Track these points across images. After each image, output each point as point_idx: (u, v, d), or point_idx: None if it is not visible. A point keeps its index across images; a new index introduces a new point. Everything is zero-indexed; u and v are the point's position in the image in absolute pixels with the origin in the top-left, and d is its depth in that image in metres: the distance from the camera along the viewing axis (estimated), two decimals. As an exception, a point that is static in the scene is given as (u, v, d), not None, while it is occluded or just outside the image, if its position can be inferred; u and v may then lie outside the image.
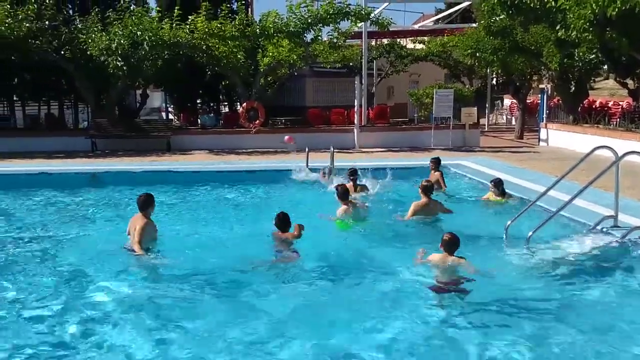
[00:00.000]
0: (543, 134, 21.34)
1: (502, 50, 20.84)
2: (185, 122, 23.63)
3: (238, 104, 24.02)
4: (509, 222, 8.08)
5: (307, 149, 14.48)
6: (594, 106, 22.50)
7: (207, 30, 19.57)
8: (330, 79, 26.66)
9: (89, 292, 6.65)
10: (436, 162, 12.29)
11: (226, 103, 28.97)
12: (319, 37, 21.25)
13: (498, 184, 10.70)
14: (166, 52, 20.00)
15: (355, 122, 20.72)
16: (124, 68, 18.91)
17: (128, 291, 6.68)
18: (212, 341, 5.49)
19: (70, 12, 23.88)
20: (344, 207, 9.31)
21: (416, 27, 31.03)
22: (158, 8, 21.56)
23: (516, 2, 15.88)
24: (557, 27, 15.78)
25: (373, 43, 30.16)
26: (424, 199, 9.54)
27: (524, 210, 8.34)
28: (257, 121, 20.58)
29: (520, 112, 24.58)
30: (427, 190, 9.58)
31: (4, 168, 14.89)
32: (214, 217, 10.37)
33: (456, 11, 30.29)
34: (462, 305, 6.26)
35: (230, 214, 10.67)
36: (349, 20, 20.13)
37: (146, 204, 7.73)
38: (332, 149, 14.51)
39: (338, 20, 19.95)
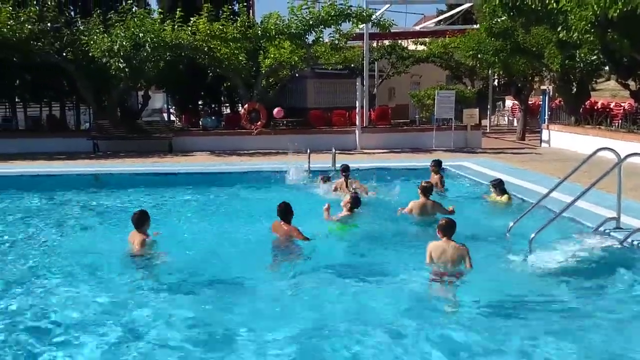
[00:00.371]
0: (545, 135, 21.33)
1: (503, 51, 20.83)
2: (187, 123, 23.64)
3: (239, 105, 24.03)
4: (511, 224, 8.09)
5: (308, 151, 14.48)
6: (595, 107, 22.47)
7: (208, 31, 19.59)
8: (332, 80, 26.67)
9: (89, 293, 6.65)
10: (437, 164, 12.31)
11: (228, 104, 28.99)
12: (321, 39, 21.27)
13: (497, 184, 10.71)
14: (168, 54, 20.02)
15: (357, 123, 20.72)
16: (126, 69, 18.95)
17: (128, 292, 6.70)
18: (212, 341, 5.51)
19: (72, 13, 23.94)
20: (347, 213, 9.33)
21: (417, 28, 31.00)
22: (160, 10, 21.60)
23: (517, 3, 15.86)
24: (559, 29, 15.77)
25: (374, 44, 30.17)
26: (422, 199, 9.65)
27: (527, 211, 8.34)
28: (259, 122, 20.60)
29: (521, 114, 24.56)
30: (426, 190, 9.70)
31: (6, 170, 14.91)
32: (214, 217, 10.40)
33: (457, 12, 30.30)
34: (464, 306, 6.26)
35: (230, 215, 10.68)
36: (351, 22, 20.13)
37: (141, 222, 7.71)
38: (333, 151, 14.55)
39: (339, 22, 19.95)
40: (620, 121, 19.53)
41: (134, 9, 20.84)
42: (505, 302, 6.38)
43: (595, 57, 18.95)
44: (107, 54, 18.92)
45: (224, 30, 19.77)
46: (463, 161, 15.80)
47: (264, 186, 12.83)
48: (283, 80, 23.07)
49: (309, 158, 14.23)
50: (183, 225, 9.85)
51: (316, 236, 8.36)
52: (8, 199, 12.04)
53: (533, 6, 15.55)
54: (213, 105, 28.67)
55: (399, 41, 30.55)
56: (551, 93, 22.63)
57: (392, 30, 22.01)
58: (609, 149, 8.22)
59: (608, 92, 30.25)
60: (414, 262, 7.34)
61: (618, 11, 12.91)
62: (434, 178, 12.04)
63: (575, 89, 21.15)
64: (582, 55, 18.98)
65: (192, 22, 19.66)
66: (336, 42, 21.47)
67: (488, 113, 29.07)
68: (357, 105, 20.93)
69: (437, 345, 5.39)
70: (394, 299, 6.48)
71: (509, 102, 32.36)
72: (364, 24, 20.77)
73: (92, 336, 5.59)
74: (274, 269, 7.63)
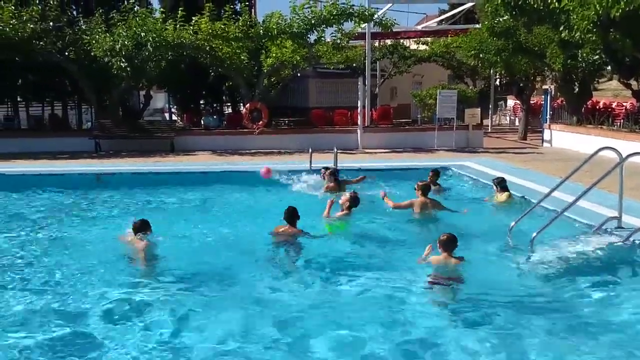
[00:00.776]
0: (546, 134, 21.30)
1: (505, 51, 20.82)
2: (189, 123, 23.64)
3: (241, 104, 24.04)
4: (513, 223, 8.08)
5: (310, 150, 14.49)
6: (597, 107, 22.45)
7: (210, 31, 19.60)
8: (334, 79, 26.65)
9: (89, 293, 6.66)
10: (436, 175, 12.07)
11: (229, 104, 29.00)
12: (323, 38, 21.28)
13: (499, 182, 10.73)
14: (170, 53, 20.03)
15: (359, 123, 20.71)
16: (128, 69, 18.97)
17: (130, 292, 6.71)
18: (214, 341, 5.52)
19: (75, 13, 23.93)
20: (345, 211, 9.33)
21: (419, 28, 30.99)
22: (162, 9, 21.62)
23: (520, 3, 15.86)
24: (561, 28, 15.76)
25: (376, 44, 30.16)
26: (422, 198, 9.67)
27: (528, 211, 8.34)
28: (261, 122, 20.60)
29: (523, 113, 24.54)
30: (425, 189, 9.69)
31: (8, 169, 14.94)
32: (213, 217, 10.41)
33: (459, 12, 30.30)
34: (465, 305, 6.27)
35: (229, 214, 10.69)
36: (353, 21, 20.14)
37: (141, 229, 7.71)
38: (335, 150, 14.54)
39: (341, 21, 19.95)
40: (622, 121, 19.49)
41: (136, 9, 20.84)
42: (507, 302, 6.38)
43: (597, 56, 18.94)
44: (109, 53, 18.94)
45: (226, 29, 19.76)
46: (465, 161, 15.79)
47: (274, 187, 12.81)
48: (285, 80, 23.07)
49: (311, 157, 14.24)
50: (185, 224, 9.84)
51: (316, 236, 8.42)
52: (10, 198, 12.06)
53: (535, 5, 15.54)
54: (215, 105, 28.66)
55: (401, 41, 30.52)
56: (553, 93, 22.61)
57: (394, 30, 22.02)
58: (611, 148, 8.20)
59: (610, 91, 30.18)
60: (413, 261, 7.36)
61: (620, 11, 12.89)
62: (433, 189, 11.88)
63: (577, 89, 21.13)
64: (584, 55, 18.96)
65: (193, 21, 19.66)
66: (338, 41, 21.49)
67: (490, 113, 29.04)
68: (358, 104, 20.92)
69: (437, 345, 5.39)
70: (394, 298, 6.49)
71: (511, 102, 32.33)
72: (366, 24, 20.76)
73: (93, 336, 5.60)
74: (276, 266, 7.65)
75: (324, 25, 20.02)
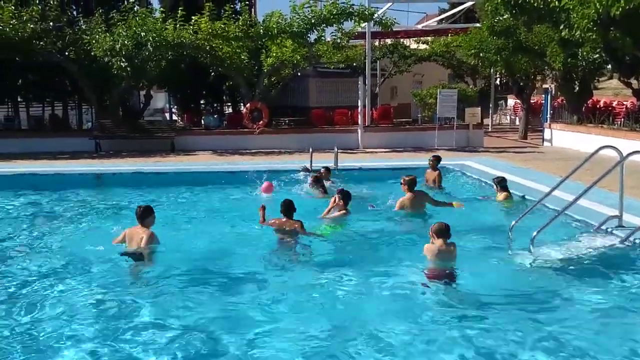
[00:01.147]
0: (547, 134, 21.29)
1: (505, 50, 20.82)
2: (189, 123, 23.65)
3: (242, 104, 24.04)
4: (513, 222, 8.07)
5: (310, 150, 14.48)
6: (598, 106, 22.45)
7: (210, 30, 19.59)
8: (334, 79, 26.67)
9: (89, 293, 6.65)
10: (437, 159, 12.29)
11: (230, 104, 29.01)
12: (323, 38, 21.28)
13: (499, 181, 10.73)
14: (170, 53, 20.04)
15: (359, 122, 20.71)
16: (128, 69, 18.98)
17: (128, 291, 6.71)
18: (214, 339, 5.52)
19: (75, 13, 23.94)
20: (344, 211, 9.32)
21: (419, 27, 30.98)
22: (162, 9, 21.61)
23: (520, 1, 15.86)
24: (561, 27, 15.76)
25: (376, 43, 30.16)
26: (409, 194, 9.70)
27: (528, 210, 8.32)
28: (261, 122, 20.60)
29: (524, 112, 24.54)
30: (410, 183, 9.69)
31: (9, 169, 14.95)
32: (213, 217, 10.41)
33: (460, 11, 30.28)
34: (464, 304, 6.26)
35: (230, 213, 10.69)
36: (353, 21, 20.13)
37: (145, 214, 7.51)
38: (335, 150, 14.54)
39: (341, 21, 19.95)
40: (622, 120, 19.48)
41: (135, 8, 20.85)
42: (507, 300, 6.38)
43: (597, 55, 18.94)
44: (109, 53, 18.95)
45: (226, 29, 19.75)
46: (465, 160, 15.78)
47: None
48: (285, 79, 23.07)
49: (311, 157, 14.23)
50: (187, 224, 9.84)
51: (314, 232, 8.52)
52: (11, 199, 12.07)
53: (535, 4, 15.55)
54: (215, 105, 28.68)
55: (401, 40, 30.52)
56: (553, 92, 22.61)
57: (394, 29, 22.00)
58: (612, 147, 8.18)
59: (611, 90, 30.22)
60: (412, 259, 7.40)
61: (620, 9, 12.91)
62: (432, 174, 12.01)
63: (577, 88, 21.13)
64: (585, 53, 18.96)
65: (193, 21, 19.65)
66: (338, 40, 21.48)
67: (490, 112, 29.04)
68: (359, 104, 20.92)
69: (436, 343, 5.38)
70: (394, 296, 6.49)
71: (511, 101, 32.34)
72: (366, 23, 20.76)
73: (95, 335, 5.59)
74: (279, 263, 7.67)
75: (324, 25, 20.01)
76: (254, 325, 5.78)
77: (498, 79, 35.18)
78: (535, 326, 5.72)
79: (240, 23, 20.02)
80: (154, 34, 18.80)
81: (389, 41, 30.12)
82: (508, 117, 32.91)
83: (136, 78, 20.55)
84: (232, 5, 21.84)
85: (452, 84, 26.13)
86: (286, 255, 7.96)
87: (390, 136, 20.92)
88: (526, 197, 10.56)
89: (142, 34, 18.81)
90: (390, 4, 24.09)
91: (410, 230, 9.12)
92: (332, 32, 21.14)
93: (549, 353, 5.22)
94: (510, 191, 10.74)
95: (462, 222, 9.40)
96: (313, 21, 19.64)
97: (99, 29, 19.56)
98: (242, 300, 6.43)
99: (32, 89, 24.33)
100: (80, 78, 20.78)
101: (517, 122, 28.14)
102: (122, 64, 18.86)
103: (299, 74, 23.25)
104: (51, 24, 20.07)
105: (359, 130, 20.58)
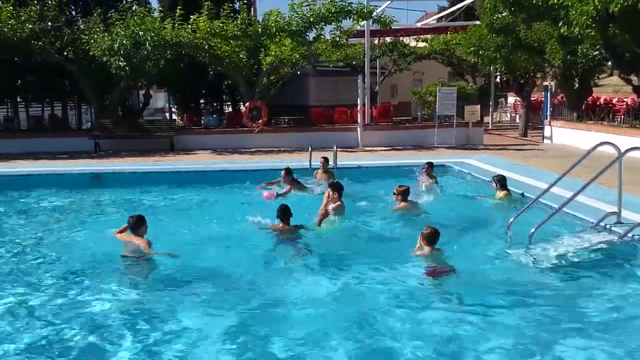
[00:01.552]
0: (547, 131, 21.25)
1: (504, 47, 20.78)
2: (189, 122, 23.64)
3: (242, 103, 24.02)
4: (511, 219, 8.07)
5: (309, 148, 14.46)
6: (598, 103, 22.41)
7: (209, 29, 19.57)
8: (334, 78, 26.63)
9: (90, 293, 6.64)
10: (430, 166, 12.16)
11: (229, 103, 28.99)
12: (322, 36, 21.23)
13: (498, 180, 10.71)
14: (168, 52, 20.03)
15: (359, 120, 20.68)
16: (126, 68, 18.98)
17: (130, 291, 6.70)
18: (216, 339, 5.51)
19: (73, 13, 23.94)
20: (339, 203, 9.26)
21: (419, 25, 30.93)
22: (160, 8, 21.57)
23: (518, -2, 15.87)
24: (560, 24, 15.73)
25: (376, 41, 30.12)
26: (402, 204, 9.72)
27: (527, 207, 8.31)
28: (260, 120, 20.58)
29: (524, 110, 24.51)
30: (403, 194, 9.73)
31: (9, 169, 14.95)
32: (213, 216, 10.39)
33: (459, 8, 30.23)
34: (463, 300, 6.25)
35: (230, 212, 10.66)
36: (351, 19, 20.10)
37: (138, 225, 7.55)
38: (335, 148, 14.50)
39: (340, 19, 19.91)
40: (622, 116, 19.44)
41: (134, 8, 20.83)
42: (505, 297, 6.36)
43: (597, 52, 18.90)
44: (107, 52, 18.94)
45: (225, 28, 19.74)
46: (465, 158, 15.77)
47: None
48: (284, 78, 23.04)
49: (310, 156, 14.22)
50: (184, 223, 9.82)
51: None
52: (11, 199, 12.07)
53: (534, 1, 15.53)
54: (215, 104, 28.66)
55: (401, 38, 30.48)
56: (553, 89, 22.57)
57: (393, 27, 21.96)
58: (609, 143, 8.15)
59: (611, 87, 30.17)
60: (410, 256, 7.39)
61: (619, 6, 12.89)
62: (429, 181, 11.90)
63: (577, 85, 21.09)
64: (584, 50, 18.92)
65: (192, 20, 19.63)
66: (337, 39, 21.44)
67: (490, 110, 29.01)
68: (358, 102, 20.88)
69: (435, 341, 5.37)
70: (392, 294, 6.47)
71: (512, 99, 32.30)
72: (365, 21, 20.73)
73: (96, 334, 5.58)
74: (273, 263, 7.68)
75: (323, 23, 19.99)
76: (254, 323, 5.77)
77: (498, 77, 35.13)
78: (533, 322, 5.71)
79: (239, 22, 19.99)
80: (152, 34, 18.79)
81: (388, 39, 30.09)
82: (508, 115, 32.88)
83: (135, 77, 20.53)
84: (230, 4, 21.80)
85: (452, 82, 26.09)
86: (284, 254, 7.94)
87: (389, 134, 20.89)
88: (525, 194, 10.52)
89: (140, 33, 18.80)
90: (389, 2, 24.07)
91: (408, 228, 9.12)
92: (331, 31, 21.13)
93: (547, 348, 5.21)
94: (510, 189, 10.71)
95: (461, 220, 9.43)
96: (311, 19, 19.62)
97: (97, 29, 19.54)
98: (242, 298, 6.42)
99: (32, 89, 24.32)
100: (80, 78, 20.78)
101: (518, 120, 28.10)
102: (120, 63, 18.86)
103: (298, 72, 23.22)
104: (49, 24, 20.07)
105: (359, 129, 20.55)
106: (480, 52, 21.72)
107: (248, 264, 7.56)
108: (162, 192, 12.49)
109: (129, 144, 19.77)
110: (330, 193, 9.20)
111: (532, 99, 26.56)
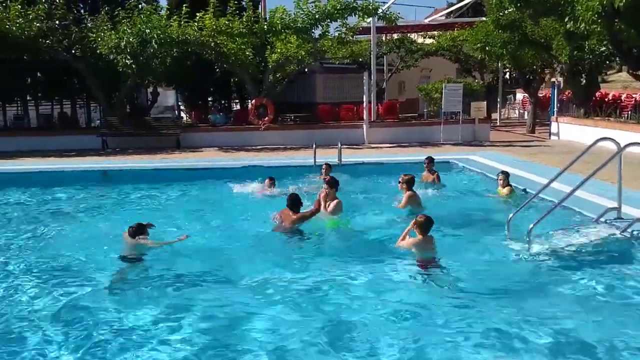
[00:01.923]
0: (554, 127, 21.16)
1: (511, 43, 20.68)
2: (197, 119, 23.73)
3: (249, 101, 24.08)
4: (511, 215, 8.05)
5: (314, 145, 14.48)
6: (606, 99, 22.27)
7: (215, 27, 19.65)
8: (340, 74, 26.63)
9: (91, 291, 6.71)
10: (430, 161, 12.11)
11: (237, 100, 29.07)
12: (327, 33, 21.24)
13: (502, 177, 10.70)
14: (175, 50, 20.13)
15: (365, 117, 20.68)
16: (133, 66, 19.09)
17: (130, 291, 6.76)
18: (215, 339, 5.55)
19: (81, 11, 24.10)
20: (337, 201, 9.28)
21: (426, 21, 30.83)
22: (167, 6, 21.68)
23: (524, -6, 15.81)
24: (566, 19, 15.65)
25: (383, 38, 30.07)
26: (409, 192, 9.63)
27: (527, 202, 8.30)
28: (267, 118, 20.63)
29: (531, 106, 24.40)
30: (409, 182, 9.67)
31: (18, 166, 15.09)
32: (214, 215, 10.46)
33: (467, 4, 30.11)
34: (462, 296, 6.26)
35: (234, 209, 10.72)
36: (357, 16, 20.09)
37: (138, 234, 7.52)
38: (339, 145, 14.54)
39: (345, 16, 19.93)
40: (630, 112, 19.32)
41: (140, 6, 20.94)
42: (505, 292, 6.37)
43: (604, 48, 18.77)
44: (114, 50, 19.06)
45: (230, 25, 19.81)
46: (470, 154, 15.72)
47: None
48: (290, 75, 23.08)
49: (315, 153, 14.25)
50: (190, 221, 9.87)
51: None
52: (18, 196, 12.20)
53: (540, -3, 15.47)
54: (223, 102, 28.74)
55: (408, 35, 30.41)
56: (561, 85, 22.46)
57: (399, 24, 21.93)
58: (609, 138, 8.14)
59: (620, 83, 29.89)
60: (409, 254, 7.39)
61: (624, 1, 12.81)
62: (429, 177, 11.89)
63: (584, 81, 20.97)
64: (591, 46, 18.81)
65: (198, 17, 19.72)
66: (343, 36, 21.44)
67: (498, 106, 28.91)
68: (364, 99, 20.89)
69: (435, 338, 5.38)
70: (391, 291, 6.49)
71: (520, 95, 32.16)
72: (371, 18, 20.71)
73: (94, 334, 5.62)
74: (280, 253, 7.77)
75: (329, 20, 20.01)
76: (253, 322, 5.80)
77: (507, 73, 34.98)
78: (532, 317, 5.71)
79: (245, 19, 20.06)
80: (158, 31, 18.89)
81: (395, 36, 30.03)
82: (517, 111, 32.74)
83: (141, 75, 20.66)
84: (236, 2, 21.87)
85: (459, 79, 26.01)
86: (288, 249, 7.99)
87: (395, 131, 20.88)
88: (528, 190, 10.50)
89: (147, 31, 18.91)
90: (395, -1, 24.02)
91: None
92: (337, 27, 21.12)
93: (547, 343, 5.21)
94: (512, 185, 10.70)
95: (461, 215, 9.43)
96: (317, 16, 19.66)
97: (105, 27, 19.67)
98: (242, 297, 6.45)
99: (41, 87, 24.52)
100: (88, 76, 20.93)
101: (526, 116, 27.97)
102: (127, 61, 18.98)
103: (305, 69, 23.24)
104: (57, 22, 20.23)
105: (365, 126, 20.56)
106: (487, 48, 21.62)
107: (253, 261, 7.56)
108: (166, 189, 12.57)
109: (136, 142, 19.89)
110: (327, 189, 9.22)
111: (541, 95, 26.43)
